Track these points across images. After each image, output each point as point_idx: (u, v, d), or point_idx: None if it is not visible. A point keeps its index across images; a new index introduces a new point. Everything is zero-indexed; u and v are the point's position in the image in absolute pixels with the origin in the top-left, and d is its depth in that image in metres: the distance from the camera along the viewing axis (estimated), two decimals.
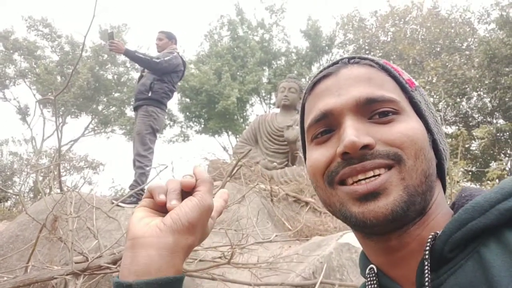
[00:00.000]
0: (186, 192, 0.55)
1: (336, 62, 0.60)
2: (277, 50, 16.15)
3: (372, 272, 0.56)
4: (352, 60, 0.59)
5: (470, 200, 0.48)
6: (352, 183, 0.52)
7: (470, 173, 10.21)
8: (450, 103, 10.99)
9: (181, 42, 17.01)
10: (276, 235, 2.67)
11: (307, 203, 4.49)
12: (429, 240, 0.48)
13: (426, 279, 0.47)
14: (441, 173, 0.58)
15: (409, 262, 0.51)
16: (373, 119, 0.54)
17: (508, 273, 0.42)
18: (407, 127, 0.53)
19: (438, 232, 0.49)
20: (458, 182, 4.74)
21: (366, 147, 0.51)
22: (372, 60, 0.59)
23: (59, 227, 2.86)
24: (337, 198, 0.53)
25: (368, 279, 0.56)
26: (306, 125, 0.60)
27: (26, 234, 3.07)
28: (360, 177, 0.51)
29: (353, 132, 0.51)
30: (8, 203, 9.99)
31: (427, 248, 0.48)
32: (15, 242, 3.05)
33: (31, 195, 10.91)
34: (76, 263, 2.29)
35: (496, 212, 0.45)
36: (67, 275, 2.13)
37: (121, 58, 15.79)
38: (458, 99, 11.47)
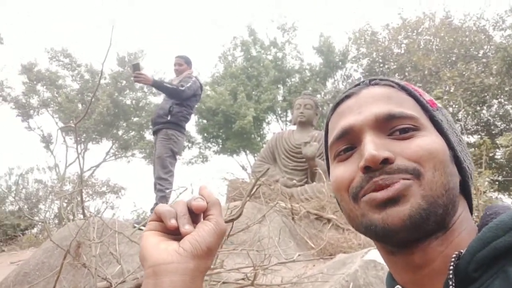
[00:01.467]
0: (193, 213, 0.56)
1: (358, 84, 0.63)
2: (290, 68, 16.26)
3: None
4: (373, 82, 0.62)
5: (495, 218, 0.48)
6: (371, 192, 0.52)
7: (497, 182, 9.89)
8: (470, 112, 10.76)
9: (196, 65, 17.31)
10: (299, 255, 2.63)
11: (329, 220, 4.42)
12: (453, 259, 0.47)
13: None
14: (465, 191, 0.58)
15: (434, 281, 0.50)
16: (393, 135, 0.55)
17: None
18: (426, 141, 0.53)
19: (462, 251, 0.48)
20: (484, 192, 4.60)
21: (386, 161, 0.51)
22: (392, 81, 0.61)
23: (82, 253, 2.89)
24: (359, 211, 0.54)
25: None
26: (329, 143, 0.62)
27: (52, 261, 3.11)
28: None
29: (372, 146, 0.52)
30: (35, 230, 10.19)
31: (451, 267, 0.47)
32: (41, 269, 3.09)
33: (56, 221, 11.10)
34: None
35: None
36: None
37: (141, 84, 16.13)
38: (478, 108, 11.23)
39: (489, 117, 12.13)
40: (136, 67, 4.14)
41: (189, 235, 0.53)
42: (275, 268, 2.60)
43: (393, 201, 0.50)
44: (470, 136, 12.06)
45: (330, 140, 0.61)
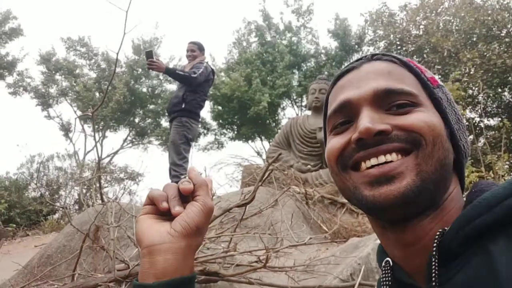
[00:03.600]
0: (184, 195, 0.59)
1: (360, 59, 0.63)
2: (306, 52, 16.06)
3: (388, 265, 0.56)
4: (375, 57, 0.61)
5: (480, 196, 0.48)
6: (366, 169, 0.53)
7: None
8: (491, 94, 10.46)
9: (210, 51, 17.27)
10: (310, 238, 2.66)
11: (343, 205, 4.43)
12: (437, 236, 0.48)
13: (433, 274, 0.47)
14: (459, 170, 0.58)
15: (422, 256, 0.51)
16: (391, 111, 0.54)
17: None
18: (424, 115, 0.53)
19: (446, 228, 0.49)
20: (503, 176, 4.50)
21: (382, 133, 0.52)
22: (394, 57, 0.61)
23: (101, 237, 2.98)
24: (351, 182, 0.54)
25: (383, 271, 0.57)
26: (327, 116, 0.62)
27: (72, 244, 3.22)
28: (373, 162, 0.52)
29: (368, 119, 0.52)
30: (56, 215, 10.52)
31: (435, 243, 0.48)
32: (62, 252, 3.21)
33: (76, 207, 11.41)
34: (118, 270, 2.38)
35: (504, 208, 0.44)
36: (110, 282, 2.22)
37: (154, 71, 16.20)
38: (500, 90, 10.89)
39: (510, 99, 11.77)
40: (149, 55, 4.19)
41: (179, 216, 0.56)
42: (287, 250, 2.63)
43: (388, 178, 0.50)
44: (490, 119, 11.74)
45: (328, 113, 0.61)
